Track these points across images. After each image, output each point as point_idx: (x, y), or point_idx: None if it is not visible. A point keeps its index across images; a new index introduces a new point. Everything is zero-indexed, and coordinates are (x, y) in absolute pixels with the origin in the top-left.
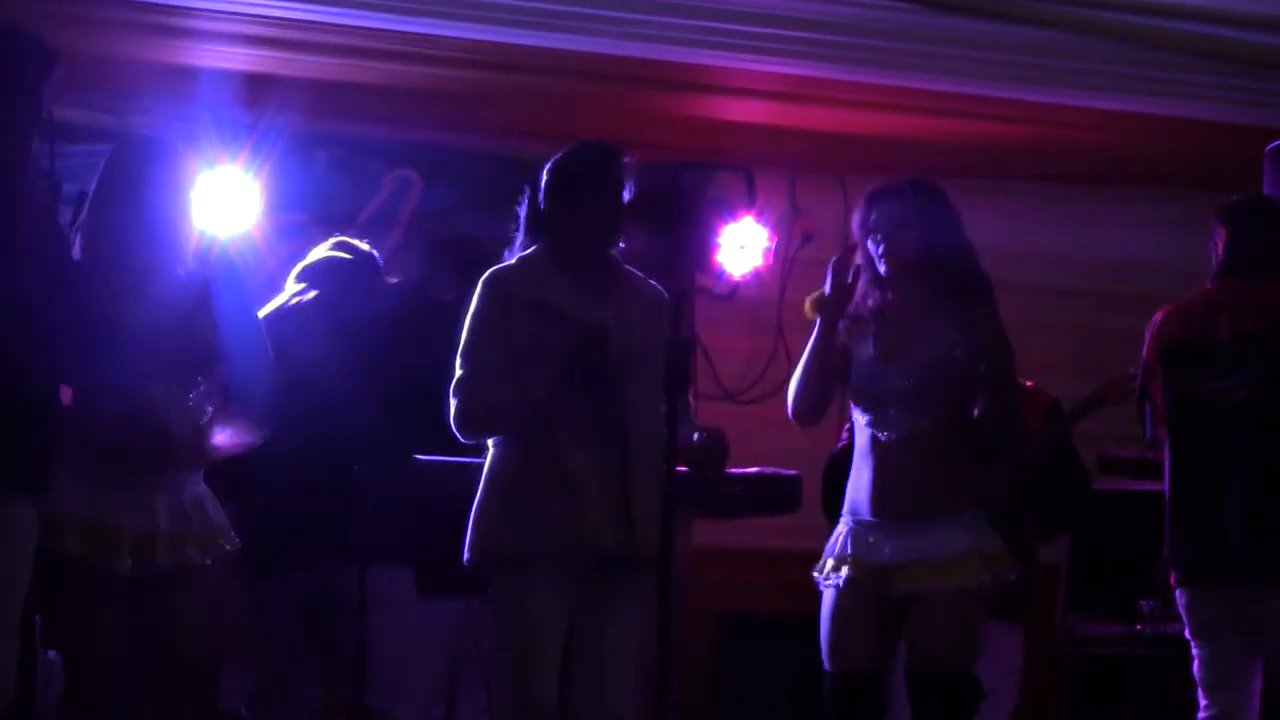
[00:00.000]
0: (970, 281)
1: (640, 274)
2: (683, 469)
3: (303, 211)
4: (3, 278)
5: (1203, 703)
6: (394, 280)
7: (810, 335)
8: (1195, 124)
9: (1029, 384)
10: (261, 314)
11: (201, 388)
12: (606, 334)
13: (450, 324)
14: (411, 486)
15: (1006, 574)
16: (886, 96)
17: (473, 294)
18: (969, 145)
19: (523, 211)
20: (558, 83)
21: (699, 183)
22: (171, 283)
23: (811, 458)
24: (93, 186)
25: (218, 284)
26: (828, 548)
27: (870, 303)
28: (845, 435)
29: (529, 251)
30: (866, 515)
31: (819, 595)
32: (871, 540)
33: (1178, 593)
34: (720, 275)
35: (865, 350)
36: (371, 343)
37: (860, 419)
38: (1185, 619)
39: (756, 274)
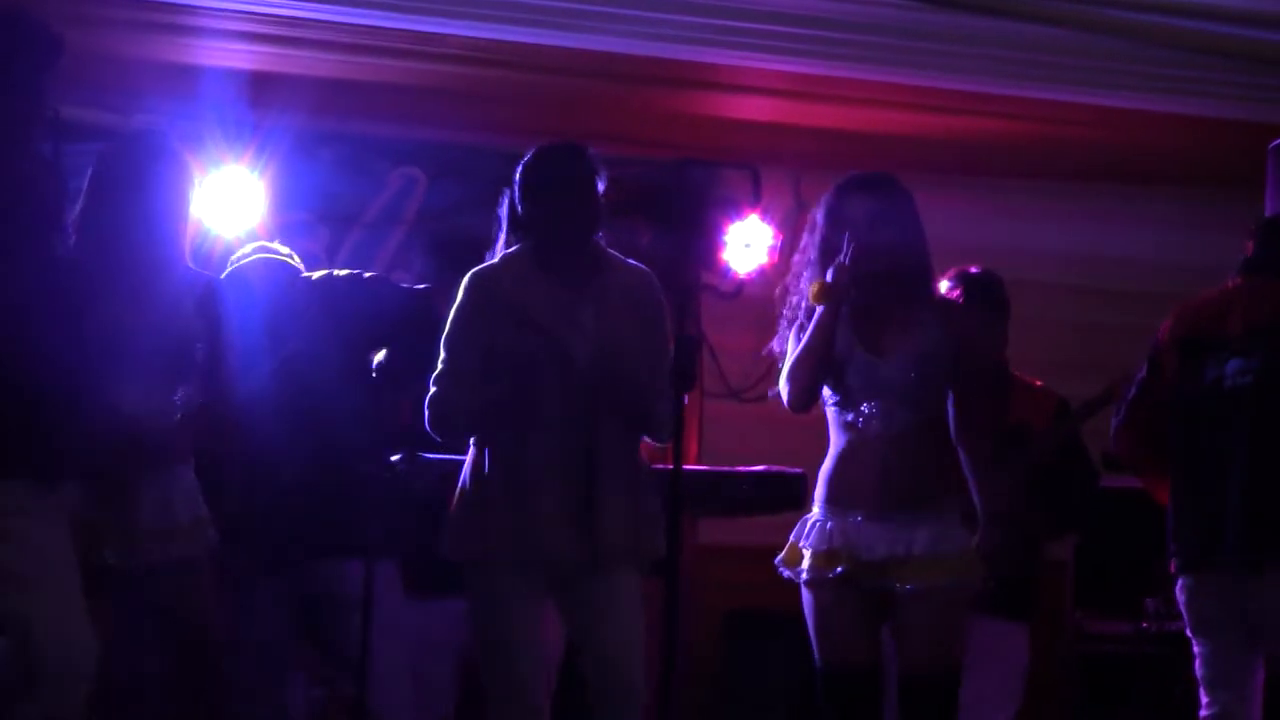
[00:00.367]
0: (931, 280)
1: (627, 261)
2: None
3: (308, 210)
4: (13, 268)
5: (1204, 700)
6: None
7: (806, 324)
8: (1200, 121)
9: (1038, 383)
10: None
11: (188, 385)
12: (571, 344)
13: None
14: (416, 483)
15: (991, 574)
16: (892, 94)
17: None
18: (974, 143)
19: (503, 213)
20: (563, 80)
21: (704, 180)
22: (165, 280)
23: (816, 455)
24: (85, 184)
25: (217, 285)
26: (808, 541)
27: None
28: None
29: (511, 251)
30: (856, 509)
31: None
32: (863, 535)
33: (1178, 586)
34: (725, 273)
35: (848, 345)
36: (362, 335)
37: (843, 414)
38: (1185, 615)
39: (762, 272)
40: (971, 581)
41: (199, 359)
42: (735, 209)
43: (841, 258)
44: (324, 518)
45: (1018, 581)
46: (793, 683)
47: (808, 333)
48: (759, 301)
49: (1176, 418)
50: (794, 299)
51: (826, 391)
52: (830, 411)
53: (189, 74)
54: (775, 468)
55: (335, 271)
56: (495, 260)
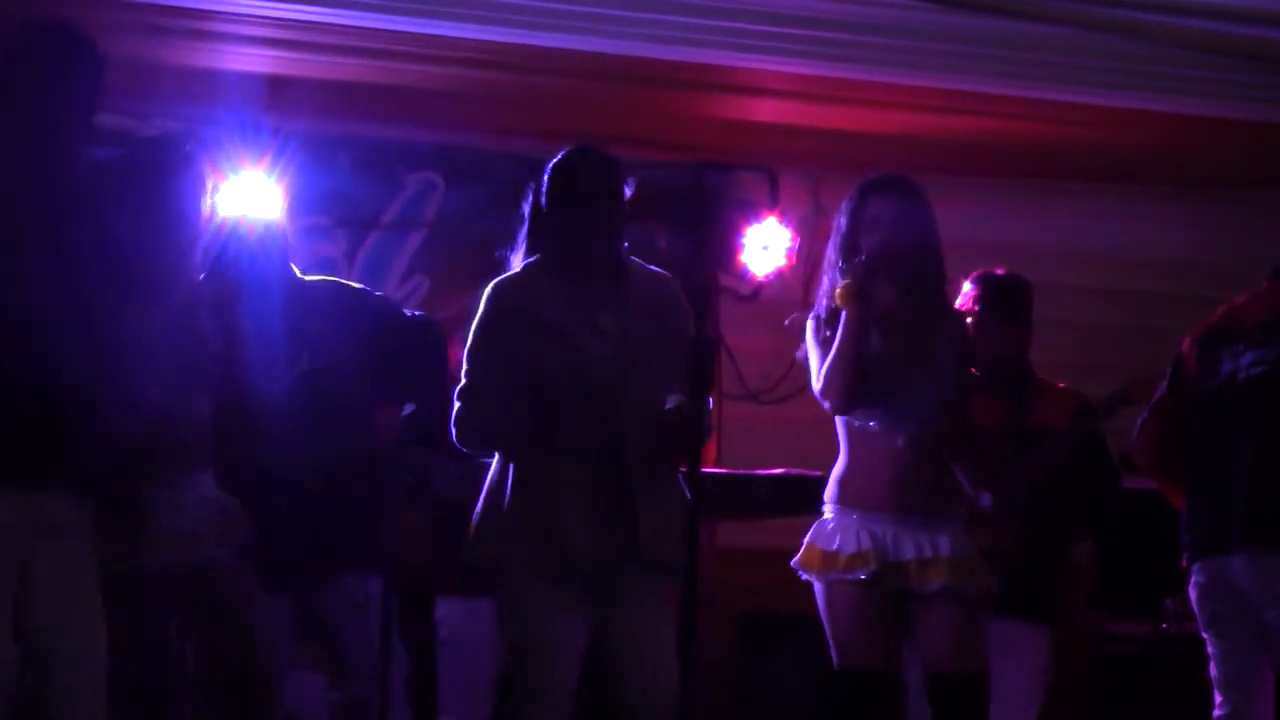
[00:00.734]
0: (944, 287)
1: (650, 267)
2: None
3: (325, 214)
4: (59, 276)
5: (1217, 700)
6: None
7: (830, 334)
8: (1227, 122)
9: (1060, 385)
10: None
11: (210, 388)
12: (593, 359)
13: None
14: (437, 484)
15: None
16: (911, 96)
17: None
18: (994, 144)
19: (526, 213)
20: (581, 84)
21: (722, 183)
22: (180, 284)
23: (834, 458)
24: (105, 187)
25: (230, 287)
26: (834, 542)
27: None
28: None
29: (531, 261)
30: (879, 512)
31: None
32: (891, 536)
33: (1190, 580)
34: (743, 276)
35: (873, 351)
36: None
37: (863, 418)
38: (1196, 611)
39: (779, 274)
40: (989, 583)
41: (215, 363)
42: (753, 211)
43: (859, 257)
44: (335, 533)
45: (1038, 583)
46: (809, 685)
47: (838, 337)
48: (777, 304)
49: (1194, 412)
50: (818, 305)
51: None
52: (851, 423)
53: (206, 79)
54: (794, 471)
55: (348, 283)
56: (516, 270)
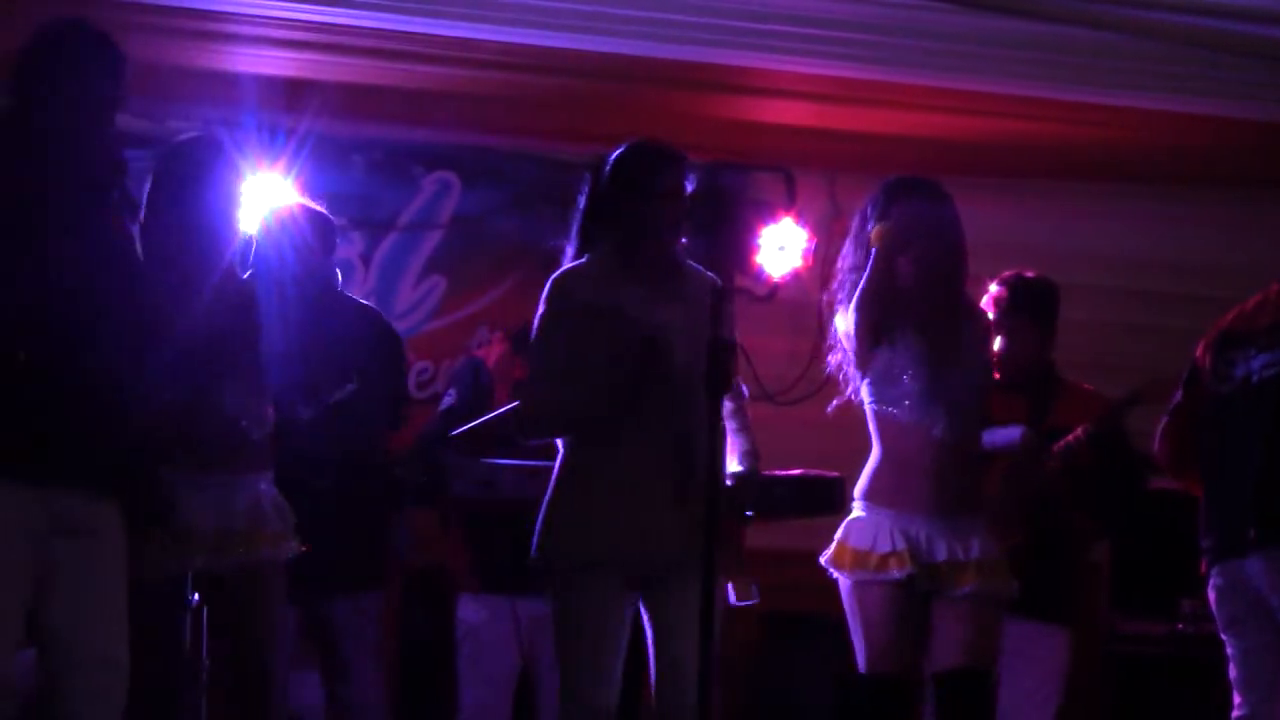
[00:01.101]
0: (966, 289)
1: (700, 269)
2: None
3: (341, 215)
4: (79, 275)
5: (1236, 701)
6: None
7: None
8: (1246, 123)
9: (1086, 387)
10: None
11: (265, 385)
12: (668, 338)
13: None
14: (454, 484)
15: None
16: (927, 97)
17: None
18: (1010, 145)
19: (583, 200)
20: (597, 84)
21: (738, 184)
22: (232, 281)
23: (852, 458)
24: (148, 189)
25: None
26: (867, 541)
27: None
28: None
29: (594, 252)
30: (913, 512)
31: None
32: (926, 537)
33: (1209, 584)
34: (760, 276)
35: (914, 350)
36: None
37: (900, 418)
38: (1215, 614)
39: (796, 275)
40: (1012, 587)
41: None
42: (769, 212)
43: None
44: (350, 552)
45: (1058, 584)
46: (827, 685)
47: (867, 270)
48: (793, 305)
49: (1208, 416)
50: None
51: (879, 394)
52: (884, 414)
53: (222, 80)
54: (812, 471)
55: (378, 313)
56: (580, 263)
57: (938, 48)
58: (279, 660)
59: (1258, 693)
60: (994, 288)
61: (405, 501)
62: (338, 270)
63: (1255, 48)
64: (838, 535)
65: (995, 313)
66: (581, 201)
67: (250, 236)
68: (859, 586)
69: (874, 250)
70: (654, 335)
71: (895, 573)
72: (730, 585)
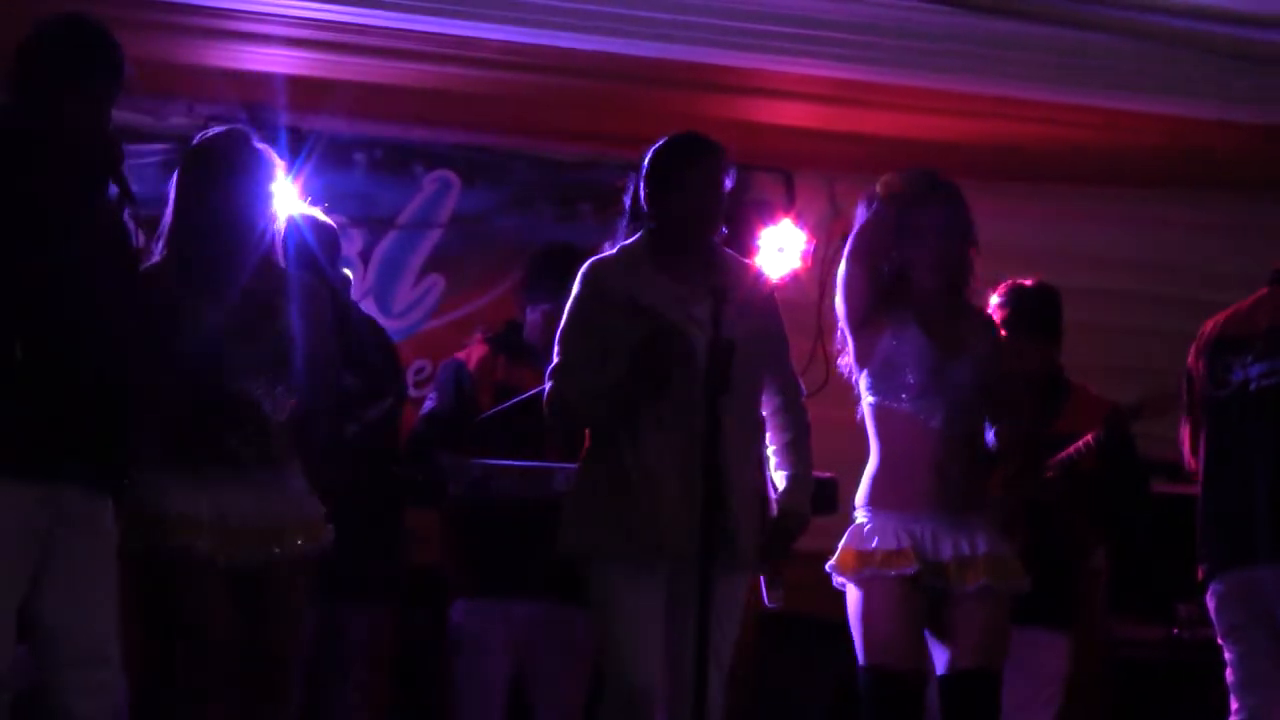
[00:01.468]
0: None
1: (745, 260)
2: None
3: (342, 213)
4: (77, 270)
5: (1233, 706)
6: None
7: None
8: (1246, 126)
9: (1093, 391)
10: None
11: (291, 381)
12: (683, 332)
13: None
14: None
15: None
16: (928, 99)
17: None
18: (1011, 147)
19: (628, 200)
20: (597, 84)
21: (737, 184)
22: (260, 277)
23: (849, 459)
24: (175, 184)
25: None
26: (872, 541)
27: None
28: None
29: (629, 243)
30: (918, 510)
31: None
32: (930, 535)
33: (1208, 591)
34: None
35: (917, 343)
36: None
37: (905, 413)
38: (1215, 620)
39: (795, 276)
40: (1024, 582)
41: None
42: (768, 213)
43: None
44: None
45: (1060, 589)
46: (828, 685)
47: (869, 217)
48: (792, 306)
49: (1206, 421)
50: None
51: (878, 387)
52: (883, 408)
53: (223, 77)
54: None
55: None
56: (613, 252)
57: (937, 49)
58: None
59: (1256, 696)
60: (994, 300)
61: (404, 502)
62: (349, 273)
63: (1253, 51)
64: (842, 542)
65: (1001, 320)
66: (626, 200)
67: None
68: (863, 584)
69: (877, 202)
70: (667, 328)
71: (899, 570)
72: (764, 584)
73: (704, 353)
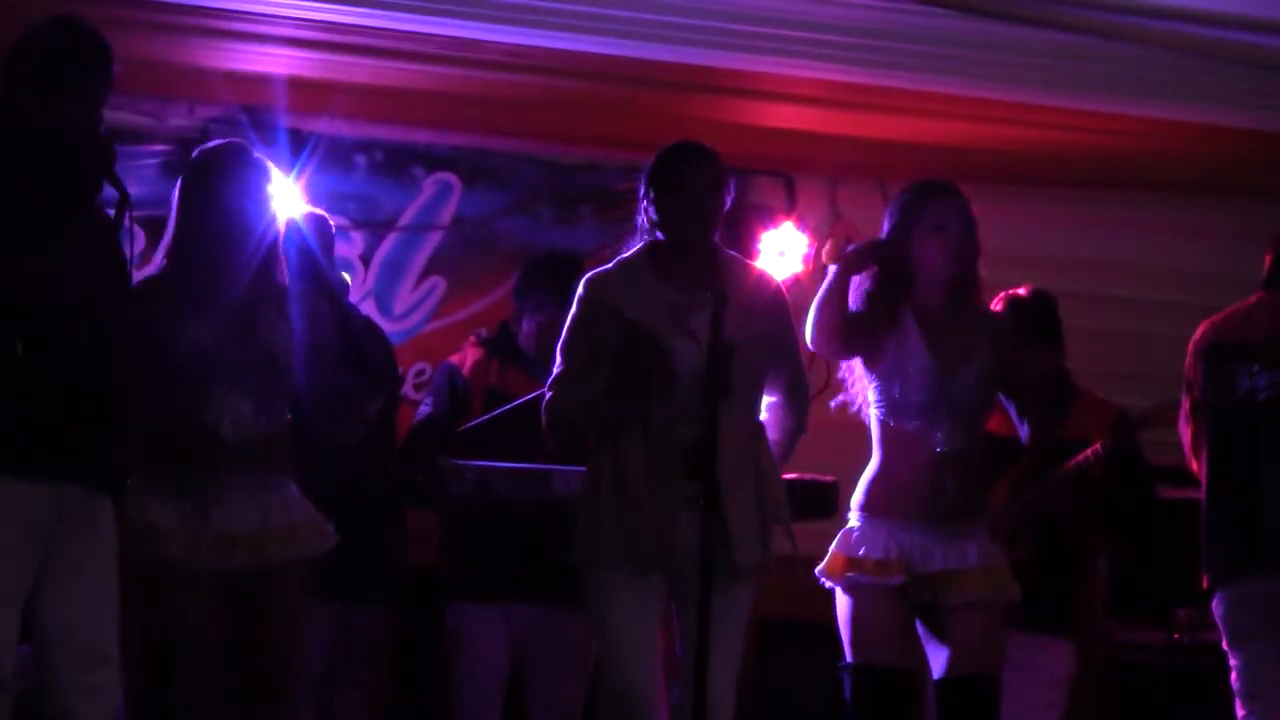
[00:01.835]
0: (977, 292)
1: (751, 264)
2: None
3: (343, 216)
4: (74, 270)
5: (1240, 713)
6: None
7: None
8: (1247, 132)
9: (1100, 396)
10: None
11: (281, 390)
12: (664, 345)
13: None
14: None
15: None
16: (929, 102)
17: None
18: (1013, 151)
19: (639, 214)
20: (598, 87)
21: (738, 188)
22: (256, 288)
23: (849, 464)
24: (177, 198)
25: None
26: (860, 549)
27: (904, 303)
28: None
29: (627, 255)
30: (909, 520)
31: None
32: (920, 546)
33: (1215, 600)
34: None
35: (918, 356)
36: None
37: (903, 425)
38: (1221, 628)
39: (796, 280)
40: (1015, 594)
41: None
42: (769, 216)
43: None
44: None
45: (1064, 596)
46: (826, 690)
47: (822, 289)
48: (793, 309)
49: (1210, 429)
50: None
51: (885, 404)
52: (885, 421)
53: (225, 79)
54: (807, 476)
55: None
56: (610, 265)
57: (939, 53)
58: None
59: (1262, 701)
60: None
61: (403, 503)
62: (348, 277)
63: (1254, 57)
64: (832, 546)
65: None
66: (639, 217)
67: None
68: (851, 589)
69: (832, 268)
70: (647, 339)
71: (887, 580)
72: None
73: (691, 363)
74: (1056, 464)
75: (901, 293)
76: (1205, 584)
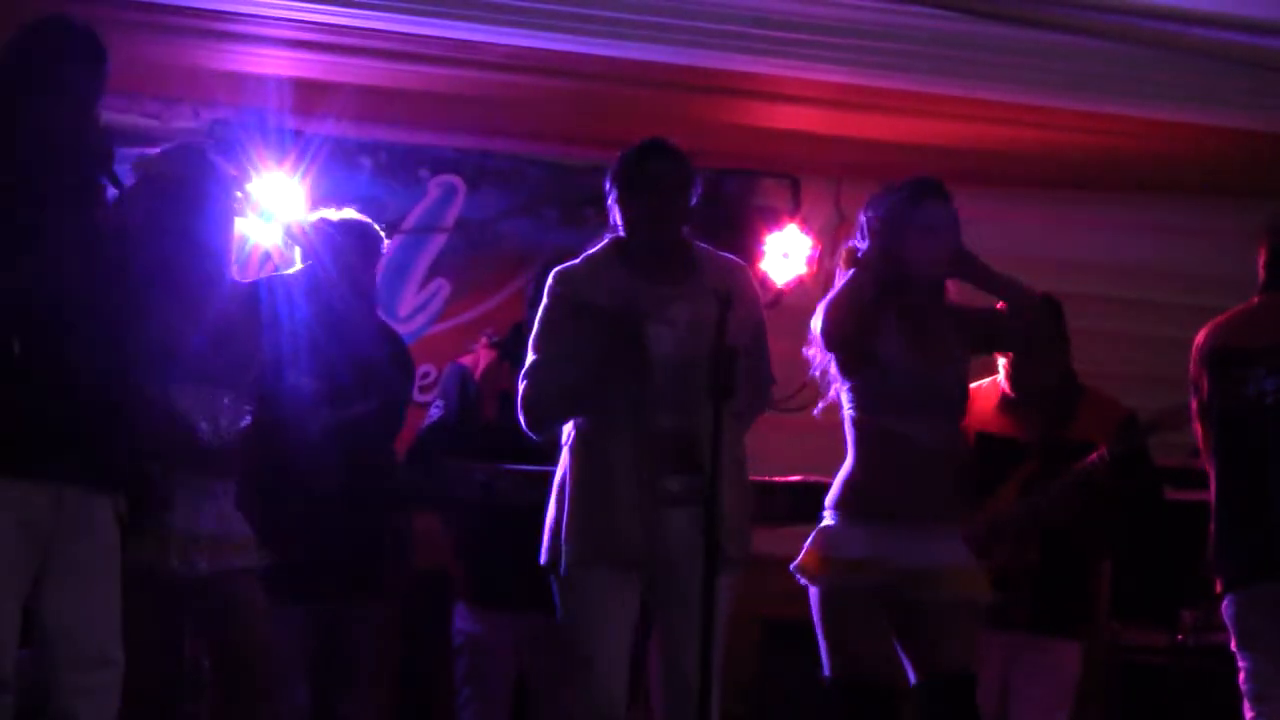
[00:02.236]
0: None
1: (722, 254)
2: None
3: None
4: (72, 269)
5: (1249, 715)
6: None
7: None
8: (1251, 133)
9: (1107, 395)
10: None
11: (240, 395)
12: (643, 329)
13: None
14: (457, 488)
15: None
16: (933, 104)
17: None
18: (1017, 153)
19: (610, 210)
20: (603, 88)
21: (743, 190)
22: (215, 292)
23: (840, 465)
24: (128, 200)
25: (265, 292)
26: (837, 549)
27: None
28: None
29: (594, 250)
30: (888, 519)
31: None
32: (897, 545)
33: (1225, 601)
34: (764, 283)
35: (899, 352)
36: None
37: (883, 421)
38: (1231, 629)
39: (800, 282)
40: (989, 595)
41: (254, 370)
42: (774, 218)
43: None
44: (354, 557)
45: (1072, 599)
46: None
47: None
48: (797, 311)
49: (1218, 433)
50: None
51: (862, 401)
52: (865, 419)
53: (230, 80)
54: (812, 478)
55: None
56: (578, 259)
57: (944, 54)
58: (270, 669)
59: (1271, 704)
60: None
61: (407, 506)
62: (375, 283)
63: (1255, 58)
64: (807, 544)
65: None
66: (610, 213)
67: (248, 239)
68: (827, 592)
69: (849, 273)
70: (629, 318)
71: (864, 580)
72: None
73: (669, 350)
74: (1063, 466)
75: (887, 290)
76: (1218, 587)
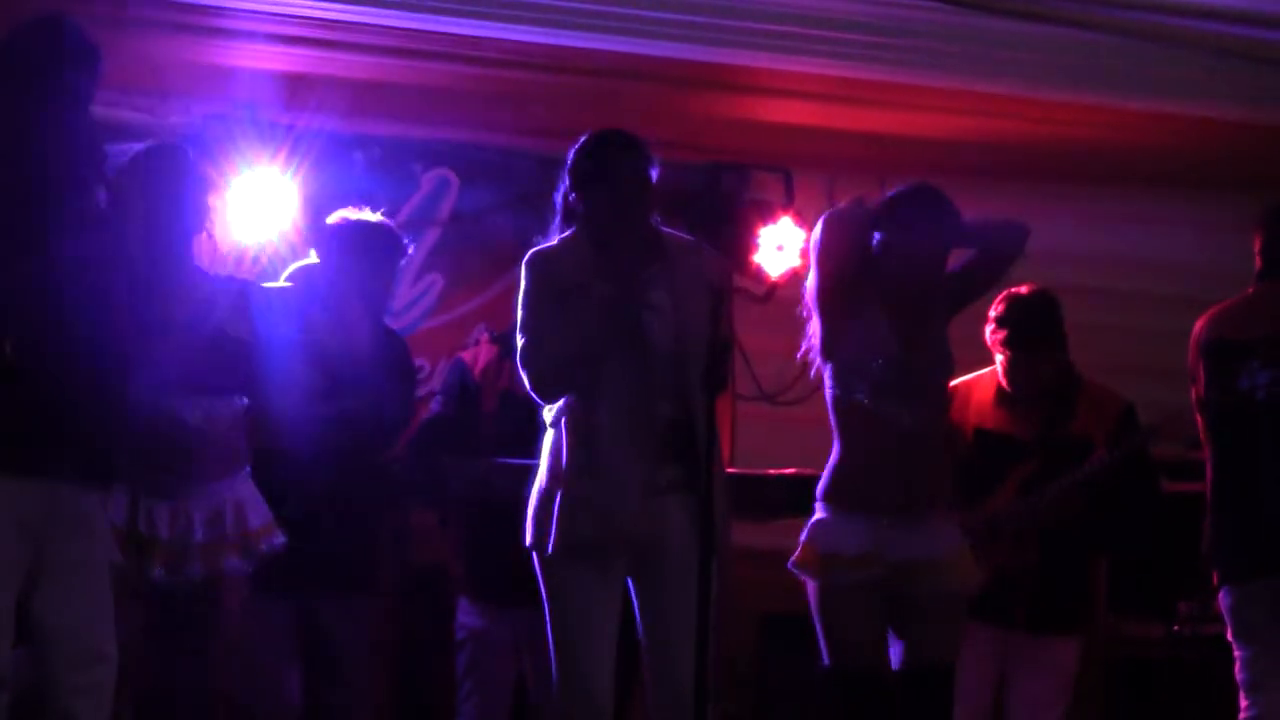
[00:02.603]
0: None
1: (682, 236)
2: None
3: None
4: (66, 268)
5: (1244, 704)
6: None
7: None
8: (1250, 125)
9: (1108, 389)
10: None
11: (230, 395)
12: (651, 335)
13: None
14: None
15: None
16: (928, 98)
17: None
18: (1011, 146)
19: (558, 199)
20: (596, 82)
21: (737, 183)
22: (190, 287)
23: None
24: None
25: (251, 293)
26: (834, 543)
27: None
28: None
29: (567, 234)
30: (882, 511)
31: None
32: (893, 537)
33: (1221, 593)
34: (758, 276)
35: (883, 340)
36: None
37: (864, 404)
38: (1228, 620)
39: (794, 274)
40: (975, 583)
41: (241, 366)
42: (768, 211)
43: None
44: (347, 554)
45: (1073, 597)
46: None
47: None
48: (791, 304)
49: (1212, 426)
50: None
51: (844, 381)
52: (848, 402)
53: (221, 75)
54: (806, 471)
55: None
56: (553, 242)
57: (938, 48)
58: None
59: (1266, 694)
60: (993, 312)
61: (405, 502)
62: (390, 287)
63: (1258, 51)
64: (803, 538)
65: (1001, 340)
66: (556, 201)
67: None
68: (827, 589)
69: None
70: (625, 312)
71: (863, 575)
72: None
73: (657, 335)
74: (1063, 463)
75: (871, 271)
76: (1215, 580)
